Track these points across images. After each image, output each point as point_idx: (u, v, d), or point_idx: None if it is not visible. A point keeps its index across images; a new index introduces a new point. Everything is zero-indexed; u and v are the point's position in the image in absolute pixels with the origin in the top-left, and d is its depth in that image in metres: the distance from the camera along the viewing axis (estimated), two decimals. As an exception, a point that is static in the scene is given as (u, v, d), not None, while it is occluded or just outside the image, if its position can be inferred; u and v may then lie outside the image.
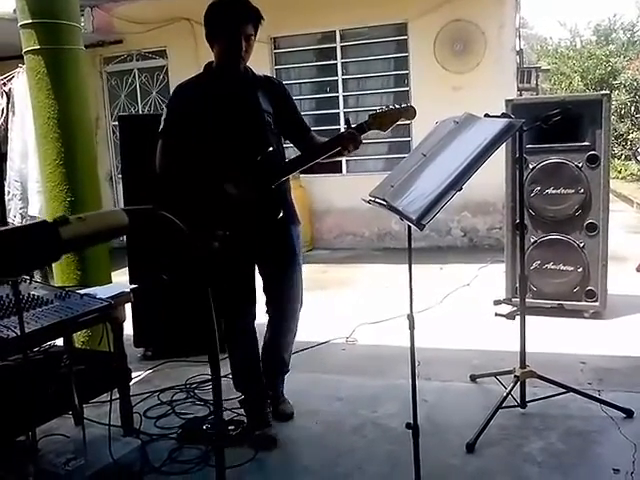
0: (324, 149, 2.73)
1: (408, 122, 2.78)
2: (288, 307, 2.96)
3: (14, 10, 3.74)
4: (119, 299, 2.75)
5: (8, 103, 5.10)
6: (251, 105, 2.74)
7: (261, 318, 3.02)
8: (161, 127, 2.73)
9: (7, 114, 5.11)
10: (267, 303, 2.97)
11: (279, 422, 3.06)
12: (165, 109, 2.78)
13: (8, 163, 5.12)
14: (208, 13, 2.65)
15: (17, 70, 5.08)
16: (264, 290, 2.95)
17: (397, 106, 2.71)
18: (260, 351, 3.04)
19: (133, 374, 3.02)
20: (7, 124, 5.12)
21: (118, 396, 2.81)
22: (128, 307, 3.01)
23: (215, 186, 2.64)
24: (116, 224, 1.33)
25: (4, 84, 5.13)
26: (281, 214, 2.72)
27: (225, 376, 3.10)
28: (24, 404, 2.18)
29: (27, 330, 2.25)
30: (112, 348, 2.74)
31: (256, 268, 2.92)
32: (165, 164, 2.72)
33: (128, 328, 3.27)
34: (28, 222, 5.10)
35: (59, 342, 2.89)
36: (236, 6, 2.62)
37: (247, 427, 2.95)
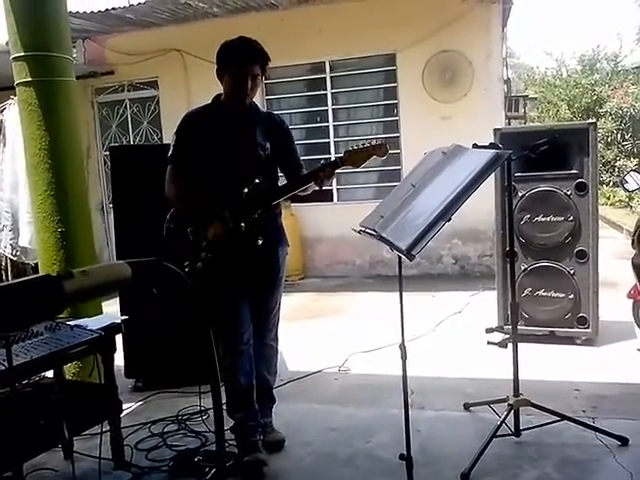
0: (300, 182, 2.90)
1: (382, 158, 2.92)
2: (264, 321, 3.05)
3: (6, 42, 3.76)
4: (110, 330, 2.73)
5: (-1, 134, 5.12)
6: (246, 138, 2.89)
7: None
8: (169, 153, 2.91)
9: (-2, 145, 5.12)
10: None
11: (271, 453, 3.02)
12: (174, 135, 2.95)
13: (-1, 194, 5.12)
14: (220, 51, 2.85)
15: (8, 102, 5.10)
16: None
17: (369, 144, 2.84)
18: None
19: (124, 405, 2.99)
20: (-2, 155, 5.12)
21: (109, 428, 2.78)
22: (119, 338, 2.99)
23: (208, 212, 2.80)
24: (120, 277, 1.34)
25: (-4, 115, 5.14)
26: (260, 242, 2.80)
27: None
28: (12, 438, 2.15)
29: (16, 362, 2.23)
30: (103, 380, 2.71)
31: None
32: (171, 188, 2.88)
33: (119, 359, 3.25)
34: (18, 253, 5.08)
35: (49, 374, 2.86)
36: (245, 47, 2.83)
37: (238, 457, 2.91)
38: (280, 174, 3.09)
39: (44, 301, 1.20)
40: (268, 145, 2.94)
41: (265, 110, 3.09)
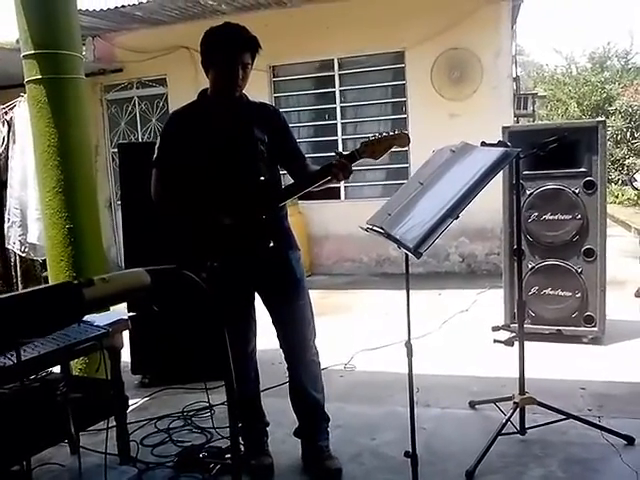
0: (315, 178, 2.65)
1: (405, 149, 2.71)
2: (299, 335, 2.82)
3: (17, 40, 3.79)
4: (117, 326, 2.75)
5: (9, 131, 5.14)
6: (244, 134, 2.69)
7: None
8: (155, 156, 2.70)
9: (8, 142, 5.15)
10: (278, 336, 2.86)
11: None
12: (159, 137, 2.75)
13: (8, 190, 5.14)
14: (205, 39, 2.61)
15: (18, 99, 5.13)
16: (273, 322, 2.84)
17: (390, 133, 2.61)
18: (289, 395, 2.96)
19: (130, 401, 3.00)
20: (7, 152, 5.15)
21: (115, 424, 2.80)
22: (126, 334, 3.01)
23: (208, 216, 2.61)
24: (139, 284, 1.33)
25: (5, 113, 5.17)
26: (271, 244, 2.64)
27: (223, 403, 3.08)
28: (19, 432, 2.17)
29: (24, 358, 2.24)
30: (109, 375, 2.72)
31: (258, 300, 2.85)
32: (159, 193, 2.69)
33: (125, 355, 3.26)
34: (27, 249, 5.11)
35: (56, 369, 2.88)
36: (234, 34, 2.58)
37: (244, 455, 2.91)
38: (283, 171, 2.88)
39: (64, 308, 1.20)
40: (267, 139, 2.71)
41: (257, 101, 2.86)
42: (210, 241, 2.60)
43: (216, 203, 2.60)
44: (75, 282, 1.22)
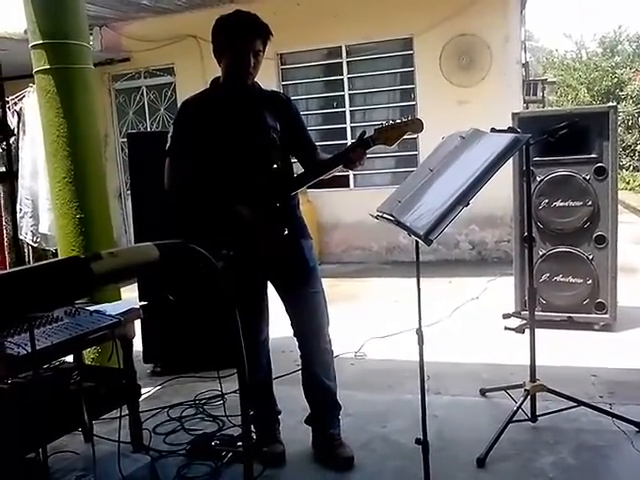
0: (328, 166, 2.67)
1: (416, 136, 2.68)
2: (313, 323, 2.82)
3: (25, 31, 3.79)
4: (129, 316, 2.77)
5: (19, 122, 5.17)
6: (256, 122, 2.70)
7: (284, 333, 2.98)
8: (168, 145, 2.71)
9: (18, 133, 5.17)
10: (292, 324, 2.86)
11: (338, 471, 2.78)
12: (172, 126, 2.77)
13: (19, 181, 5.18)
14: (216, 27, 2.62)
15: (28, 89, 5.14)
16: (286, 311, 2.85)
17: (403, 119, 2.61)
18: (302, 382, 2.97)
19: (142, 390, 3.03)
20: (18, 143, 5.17)
21: (127, 412, 2.82)
22: (137, 323, 3.02)
23: (221, 204, 2.62)
24: (147, 259, 1.32)
25: (15, 103, 5.19)
26: (286, 232, 2.65)
27: (235, 391, 3.10)
28: (34, 421, 2.19)
29: (38, 347, 2.26)
30: (122, 364, 2.75)
31: (271, 288, 2.86)
32: (173, 182, 2.69)
33: (137, 344, 3.28)
34: (38, 239, 5.15)
35: (69, 359, 2.91)
36: (245, 21, 2.58)
37: (256, 443, 2.93)
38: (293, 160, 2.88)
39: (72, 283, 1.20)
40: (279, 127, 2.72)
41: (269, 89, 2.85)
42: (224, 230, 2.61)
43: (230, 191, 2.61)
44: (82, 256, 1.22)
